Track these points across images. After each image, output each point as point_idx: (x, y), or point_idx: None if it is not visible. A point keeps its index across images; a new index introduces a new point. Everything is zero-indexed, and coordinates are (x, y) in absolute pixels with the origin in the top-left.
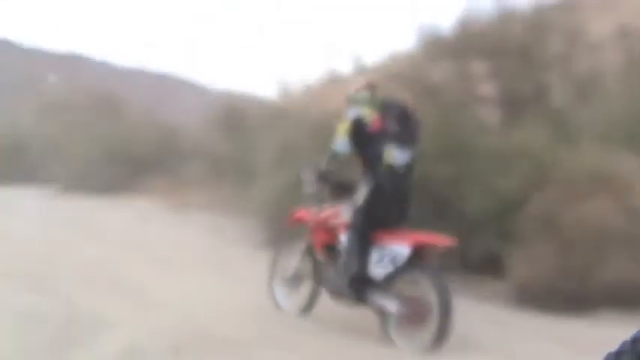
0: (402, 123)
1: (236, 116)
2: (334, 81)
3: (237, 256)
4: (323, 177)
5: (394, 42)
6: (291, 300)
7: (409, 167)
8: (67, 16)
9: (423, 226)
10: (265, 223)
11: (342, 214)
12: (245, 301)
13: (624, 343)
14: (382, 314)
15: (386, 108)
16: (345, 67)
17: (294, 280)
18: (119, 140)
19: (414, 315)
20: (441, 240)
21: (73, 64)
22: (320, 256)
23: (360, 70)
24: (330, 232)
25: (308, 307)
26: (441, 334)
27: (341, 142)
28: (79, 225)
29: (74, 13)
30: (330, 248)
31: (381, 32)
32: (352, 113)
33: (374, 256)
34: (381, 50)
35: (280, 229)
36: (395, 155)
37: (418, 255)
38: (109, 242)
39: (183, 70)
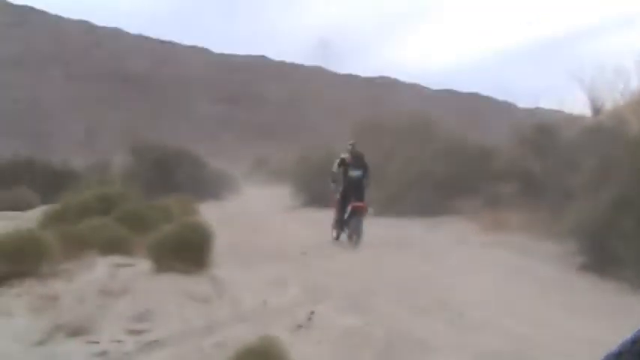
0: (356, 159)
1: (546, 134)
2: None
3: (555, 279)
4: (333, 179)
5: None
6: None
7: (359, 177)
8: (368, 42)
9: None
10: (585, 245)
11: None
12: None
13: (624, 344)
14: (347, 234)
15: (353, 153)
16: None
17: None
18: (430, 162)
19: (351, 234)
20: (362, 205)
21: (384, 87)
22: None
23: None
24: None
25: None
26: (357, 241)
27: (335, 167)
28: (392, 246)
29: (381, 39)
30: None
31: None
32: (342, 154)
33: (346, 212)
34: None
35: (603, 251)
36: (353, 172)
37: (355, 211)
38: (425, 263)
39: (490, 90)
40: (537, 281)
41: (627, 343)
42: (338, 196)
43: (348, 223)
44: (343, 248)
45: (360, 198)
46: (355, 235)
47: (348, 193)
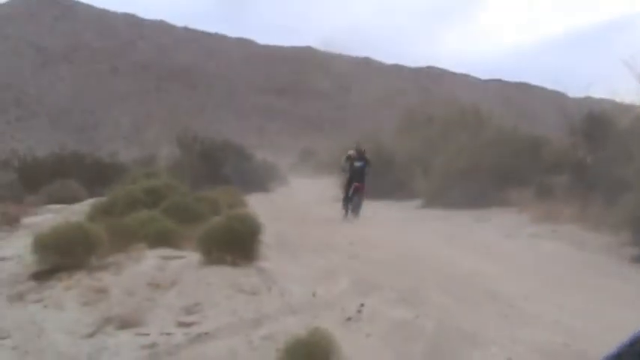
0: (359, 154)
1: (598, 124)
2: None
3: (608, 271)
4: (343, 169)
5: None
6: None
7: (362, 167)
8: (423, 33)
9: None
10: (639, 237)
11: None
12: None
13: (622, 346)
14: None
15: (357, 150)
16: None
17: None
18: (480, 153)
19: (354, 209)
20: (361, 185)
21: (432, 78)
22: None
23: None
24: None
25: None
26: (357, 213)
27: (343, 160)
28: (441, 238)
29: (429, 29)
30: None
31: None
32: (349, 151)
33: (350, 191)
34: None
35: None
36: (356, 164)
37: (356, 189)
38: (474, 254)
39: (539, 79)
40: (589, 273)
41: (626, 345)
42: (345, 181)
43: (351, 200)
44: (391, 239)
45: (361, 181)
46: (357, 208)
47: (352, 178)
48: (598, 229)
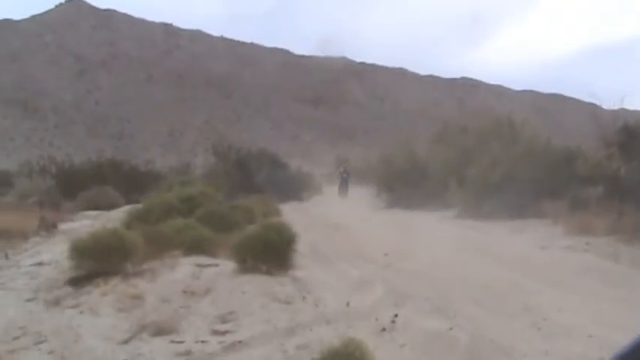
0: (346, 170)
1: (633, 136)
2: None
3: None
4: (339, 177)
5: None
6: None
7: (347, 176)
8: (457, 44)
9: None
10: None
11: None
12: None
13: (624, 348)
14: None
15: (345, 167)
16: None
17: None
18: (514, 164)
19: (343, 193)
20: (346, 184)
21: (466, 89)
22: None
23: None
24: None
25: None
26: (344, 194)
27: (338, 173)
28: (475, 249)
29: (464, 40)
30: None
31: None
32: (340, 168)
33: (342, 186)
34: None
35: None
36: (343, 175)
37: (344, 184)
38: (508, 266)
39: (573, 90)
40: (624, 286)
41: (628, 347)
42: (340, 183)
43: (342, 190)
44: (424, 250)
45: (346, 182)
46: (344, 192)
47: (342, 181)
48: (632, 242)
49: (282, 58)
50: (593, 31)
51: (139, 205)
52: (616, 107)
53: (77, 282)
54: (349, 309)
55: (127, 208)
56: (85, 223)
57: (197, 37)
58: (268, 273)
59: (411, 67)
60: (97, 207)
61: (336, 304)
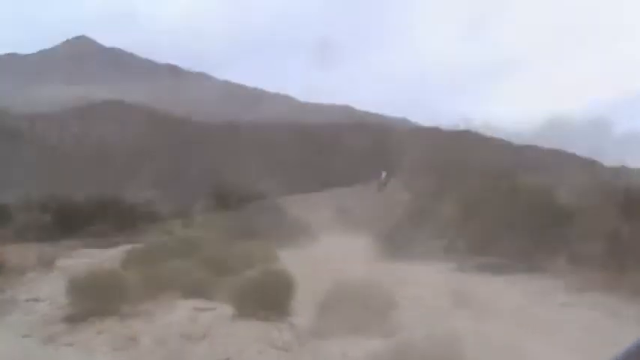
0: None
1: (635, 197)
2: None
3: None
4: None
5: None
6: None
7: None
8: (460, 96)
9: None
10: None
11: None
12: None
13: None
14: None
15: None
16: None
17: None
18: (514, 218)
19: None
20: None
21: (467, 141)
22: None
23: None
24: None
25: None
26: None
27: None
28: (473, 304)
29: (465, 92)
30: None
31: None
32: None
33: None
34: None
35: None
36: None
37: None
38: (506, 323)
39: (573, 146)
40: (622, 343)
41: (632, 347)
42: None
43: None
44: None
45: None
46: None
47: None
48: (633, 299)
49: (286, 103)
50: (594, 87)
51: (139, 245)
52: (617, 164)
53: (73, 319)
54: (346, 359)
55: (126, 247)
56: (84, 261)
57: (201, 79)
58: (266, 319)
59: (413, 117)
60: (96, 244)
61: (334, 353)
